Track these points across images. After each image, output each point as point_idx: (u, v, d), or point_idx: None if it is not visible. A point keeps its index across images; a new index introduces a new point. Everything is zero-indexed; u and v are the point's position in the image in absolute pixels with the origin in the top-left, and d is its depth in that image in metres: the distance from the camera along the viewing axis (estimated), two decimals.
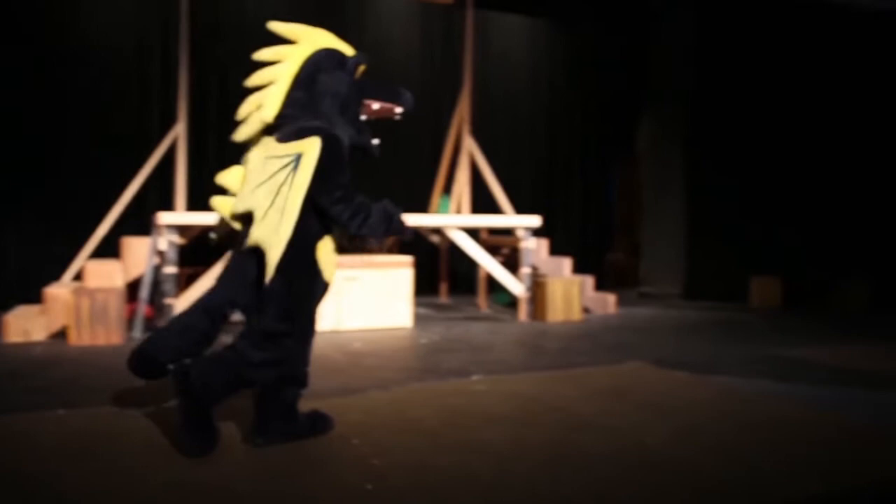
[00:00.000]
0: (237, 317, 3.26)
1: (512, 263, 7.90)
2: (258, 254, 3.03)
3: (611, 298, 8.35)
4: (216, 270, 6.31)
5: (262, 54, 3.28)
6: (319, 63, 3.22)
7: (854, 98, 8.84)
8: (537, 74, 10.79)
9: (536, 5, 10.58)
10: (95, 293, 5.84)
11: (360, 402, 4.00)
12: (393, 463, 3.01)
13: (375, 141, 3.33)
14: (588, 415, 3.78)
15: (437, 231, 8.59)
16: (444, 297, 9.23)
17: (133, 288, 6.56)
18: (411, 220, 7.06)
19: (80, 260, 6.89)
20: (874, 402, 4.13)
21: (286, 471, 2.91)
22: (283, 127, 3.17)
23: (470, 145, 8.47)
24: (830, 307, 8.61)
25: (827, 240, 8.91)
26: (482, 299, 8.56)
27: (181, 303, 6.28)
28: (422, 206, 8.78)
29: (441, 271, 9.22)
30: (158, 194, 7.97)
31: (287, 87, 3.18)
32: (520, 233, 7.59)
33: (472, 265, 8.64)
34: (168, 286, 6.23)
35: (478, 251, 7.43)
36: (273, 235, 2.96)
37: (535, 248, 7.81)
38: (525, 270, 7.55)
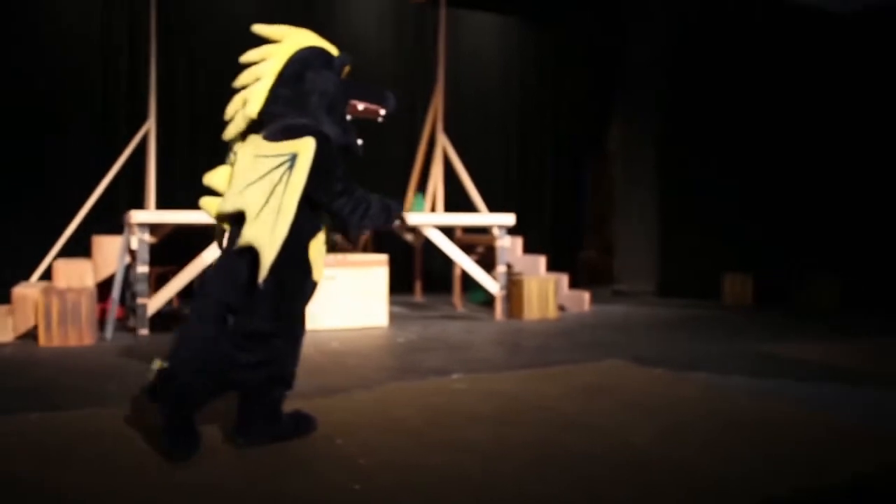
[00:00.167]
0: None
1: (487, 262, 7.89)
2: (251, 254, 2.97)
3: (586, 296, 8.37)
4: (193, 270, 6.22)
5: (248, 56, 3.25)
6: (306, 61, 3.20)
7: (825, 97, 8.95)
8: (508, 72, 10.81)
9: (507, 3, 10.58)
10: (66, 293, 5.71)
11: (342, 402, 3.95)
12: (379, 463, 2.97)
13: (359, 141, 3.32)
14: (571, 413, 3.77)
15: (412, 229, 8.55)
16: (418, 296, 9.20)
17: (104, 287, 6.44)
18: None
19: (48, 259, 6.74)
20: (856, 399, 4.16)
21: (271, 472, 2.85)
22: (269, 124, 3.14)
23: (444, 143, 8.44)
24: (801, 305, 8.71)
25: (798, 238, 9.02)
26: (457, 298, 8.53)
27: (154, 303, 6.18)
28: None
29: (415, 270, 9.19)
30: (128, 192, 7.86)
31: (271, 83, 3.16)
32: (495, 231, 7.57)
33: (446, 264, 8.62)
34: (141, 286, 6.12)
35: (454, 250, 7.41)
36: (268, 235, 2.90)
37: (510, 247, 7.80)
38: (501, 269, 7.53)
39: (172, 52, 8.24)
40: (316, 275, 3.13)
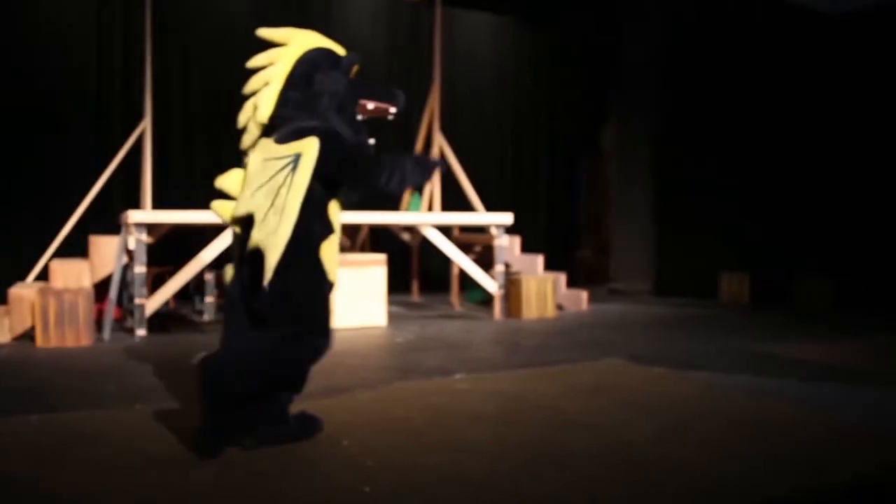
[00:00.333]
0: None
1: (485, 261, 7.89)
2: (261, 256, 2.96)
3: (584, 295, 8.38)
4: (190, 270, 6.21)
5: (255, 61, 3.25)
6: (315, 62, 3.20)
7: (819, 97, 8.97)
8: (503, 72, 10.81)
9: (502, 3, 10.59)
10: (63, 294, 5.69)
11: (345, 403, 3.96)
12: (384, 463, 2.97)
13: (371, 141, 3.32)
14: (572, 413, 3.77)
15: (409, 229, 8.55)
16: (416, 296, 9.20)
17: (101, 288, 6.42)
18: (385, 218, 7.03)
19: (45, 259, 6.72)
20: (856, 399, 4.16)
21: (279, 473, 2.85)
22: (281, 128, 3.14)
23: (440, 142, 8.44)
24: (796, 304, 8.73)
25: (792, 238, 9.04)
26: (455, 297, 8.53)
27: (151, 303, 6.16)
28: (393, 204, 8.74)
29: (413, 269, 9.18)
30: (123, 191, 7.84)
31: (280, 87, 3.16)
32: (493, 230, 7.57)
33: (443, 263, 8.62)
34: (139, 287, 6.10)
35: (452, 249, 7.40)
36: (271, 237, 2.89)
37: (508, 246, 7.80)
38: (499, 268, 7.53)
39: (167, 50, 8.22)
40: (331, 276, 3.13)
